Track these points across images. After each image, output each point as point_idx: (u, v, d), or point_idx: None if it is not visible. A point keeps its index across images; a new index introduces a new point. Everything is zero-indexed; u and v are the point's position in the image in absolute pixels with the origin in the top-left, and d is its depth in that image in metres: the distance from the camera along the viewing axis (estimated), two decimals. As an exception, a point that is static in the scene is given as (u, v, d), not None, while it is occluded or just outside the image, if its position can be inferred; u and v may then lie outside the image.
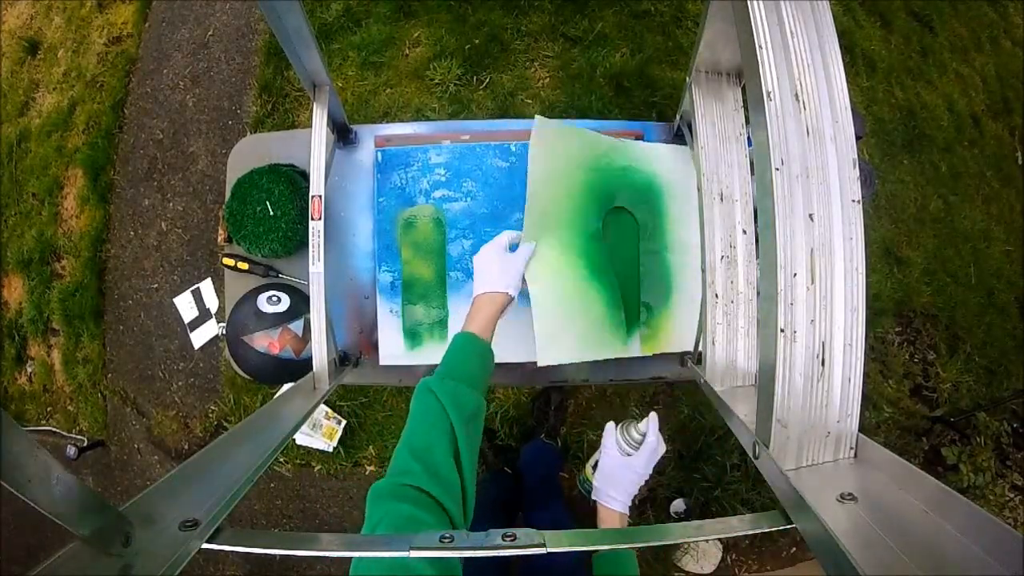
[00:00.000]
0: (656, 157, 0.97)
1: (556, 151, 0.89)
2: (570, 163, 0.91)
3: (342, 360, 0.93)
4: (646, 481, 0.78)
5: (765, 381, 0.49)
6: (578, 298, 0.86)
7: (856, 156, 0.48)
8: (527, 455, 1.58)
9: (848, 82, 0.49)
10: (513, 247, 0.83)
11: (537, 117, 0.88)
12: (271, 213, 0.95)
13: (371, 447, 1.80)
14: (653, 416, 0.79)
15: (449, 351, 0.71)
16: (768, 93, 0.47)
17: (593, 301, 0.88)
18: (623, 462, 0.78)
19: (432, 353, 0.96)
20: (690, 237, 0.95)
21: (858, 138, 0.49)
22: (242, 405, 1.85)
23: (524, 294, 0.98)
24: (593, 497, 0.80)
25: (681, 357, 0.96)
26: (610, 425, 0.82)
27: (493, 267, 0.79)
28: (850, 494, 0.41)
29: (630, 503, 0.77)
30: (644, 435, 0.78)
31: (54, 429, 1.99)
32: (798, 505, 0.43)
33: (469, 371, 0.68)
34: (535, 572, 0.91)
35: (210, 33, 2.13)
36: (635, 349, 0.92)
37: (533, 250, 0.83)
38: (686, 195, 0.96)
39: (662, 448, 0.78)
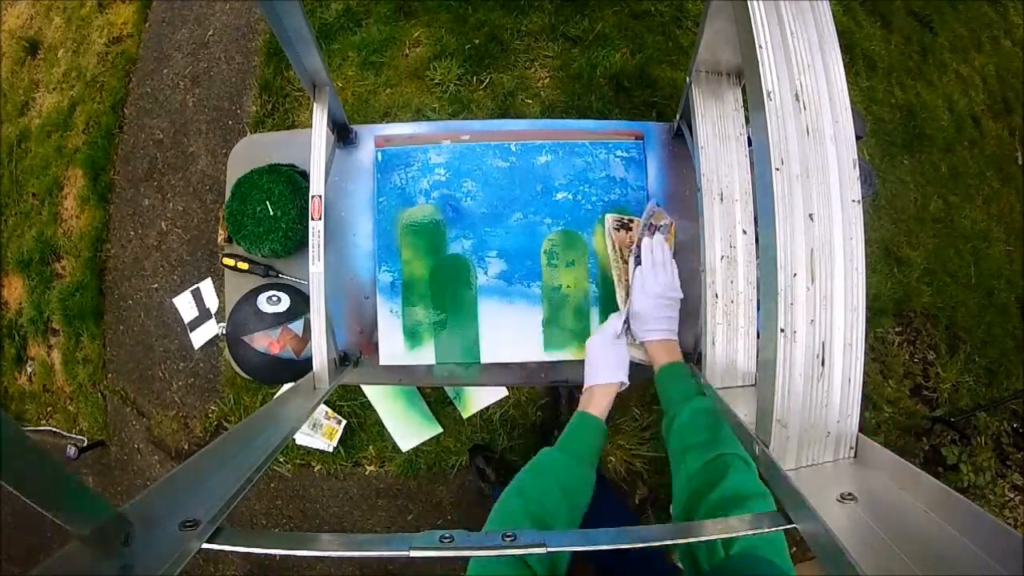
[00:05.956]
0: None
1: None
2: None
3: (342, 360, 0.93)
4: (677, 298, 0.85)
5: (765, 381, 0.49)
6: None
7: (856, 156, 0.48)
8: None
9: (848, 82, 0.49)
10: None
11: None
12: (271, 213, 0.95)
13: (371, 447, 1.80)
14: (644, 243, 0.87)
15: (570, 427, 0.77)
16: (768, 93, 0.47)
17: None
18: (648, 296, 0.84)
19: (432, 353, 0.96)
20: None
21: (858, 138, 0.49)
22: (242, 405, 1.85)
23: (529, 295, 0.98)
24: (638, 339, 0.86)
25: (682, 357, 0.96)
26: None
27: (609, 358, 0.83)
28: (850, 494, 0.41)
29: (675, 327, 0.85)
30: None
31: (54, 429, 1.99)
32: (798, 505, 0.43)
33: (583, 448, 0.74)
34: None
35: (210, 33, 2.12)
36: None
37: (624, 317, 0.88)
38: None
39: (663, 256, 0.86)
